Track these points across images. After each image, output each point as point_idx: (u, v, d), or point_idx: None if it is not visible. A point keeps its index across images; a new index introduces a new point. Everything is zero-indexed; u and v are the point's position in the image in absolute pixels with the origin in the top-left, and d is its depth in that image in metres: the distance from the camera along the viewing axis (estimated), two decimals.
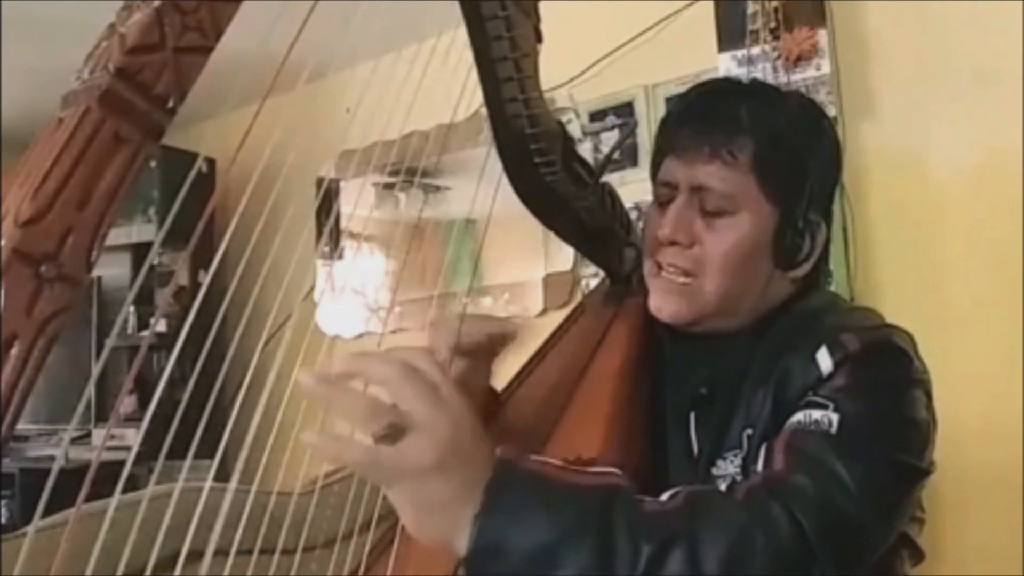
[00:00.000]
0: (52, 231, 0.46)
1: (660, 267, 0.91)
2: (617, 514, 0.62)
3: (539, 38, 0.79)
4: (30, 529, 0.55)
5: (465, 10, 0.73)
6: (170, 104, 0.48)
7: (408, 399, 0.58)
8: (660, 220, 0.89)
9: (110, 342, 0.79)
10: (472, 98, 0.82)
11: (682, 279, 0.89)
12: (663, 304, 0.91)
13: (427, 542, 0.62)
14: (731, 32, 2.11)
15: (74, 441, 2.98)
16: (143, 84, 0.47)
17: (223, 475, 0.73)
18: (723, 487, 0.81)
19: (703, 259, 0.88)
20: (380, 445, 0.57)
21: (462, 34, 0.77)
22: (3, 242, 0.45)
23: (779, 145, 0.88)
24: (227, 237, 0.62)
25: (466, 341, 0.89)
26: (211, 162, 2.35)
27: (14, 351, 0.45)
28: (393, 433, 0.57)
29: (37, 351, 0.46)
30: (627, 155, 2.39)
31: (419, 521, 0.60)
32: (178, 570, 0.67)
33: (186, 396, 0.61)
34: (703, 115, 0.91)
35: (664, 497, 0.67)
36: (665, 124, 0.97)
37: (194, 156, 2.50)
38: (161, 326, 2.73)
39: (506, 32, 0.74)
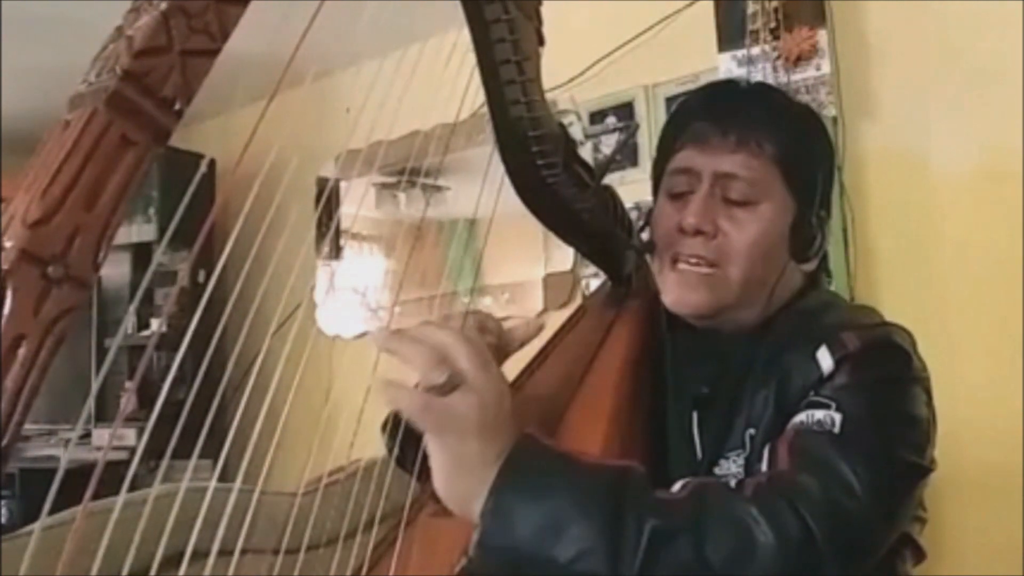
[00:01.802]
0: (60, 232, 0.46)
1: (679, 259, 0.90)
2: (628, 495, 0.64)
3: (541, 41, 0.80)
4: (36, 527, 0.55)
5: (468, 13, 0.73)
6: (177, 106, 0.48)
7: (463, 362, 0.63)
8: (683, 210, 0.90)
9: (115, 343, 0.79)
10: (474, 98, 0.82)
11: (705, 270, 0.89)
12: (684, 295, 0.90)
13: (450, 503, 0.65)
14: (731, 32, 2.11)
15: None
16: (150, 87, 0.47)
17: (225, 475, 0.73)
18: None
19: (727, 249, 0.88)
20: (432, 393, 0.62)
21: (464, 34, 0.77)
22: (11, 243, 0.45)
23: (798, 141, 0.92)
24: (232, 238, 0.62)
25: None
26: (211, 162, 2.34)
27: (21, 351, 0.45)
28: (447, 387, 0.62)
29: (44, 352, 0.46)
30: (627, 155, 2.39)
31: (447, 478, 0.64)
32: (182, 570, 0.67)
33: (190, 396, 0.61)
34: (723, 109, 0.93)
35: (675, 488, 0.69)
36: (679, 117, 0.97)
37: (193, 156, 2.49)
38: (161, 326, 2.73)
39: (509, 35, 0.75)
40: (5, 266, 0.44)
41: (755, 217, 0.88)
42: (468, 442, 0.63)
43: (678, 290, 0.91)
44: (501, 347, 0.92)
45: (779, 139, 0.89)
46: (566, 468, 0.65)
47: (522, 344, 0.94)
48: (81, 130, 0.46)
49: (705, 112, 0.94)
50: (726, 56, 2.12)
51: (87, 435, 2.95)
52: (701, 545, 0.63)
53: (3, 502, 2.92)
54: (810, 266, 0.93)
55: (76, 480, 0.52)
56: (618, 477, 0.66)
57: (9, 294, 0.44)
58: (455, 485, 0.64)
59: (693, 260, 0.89)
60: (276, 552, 0.84)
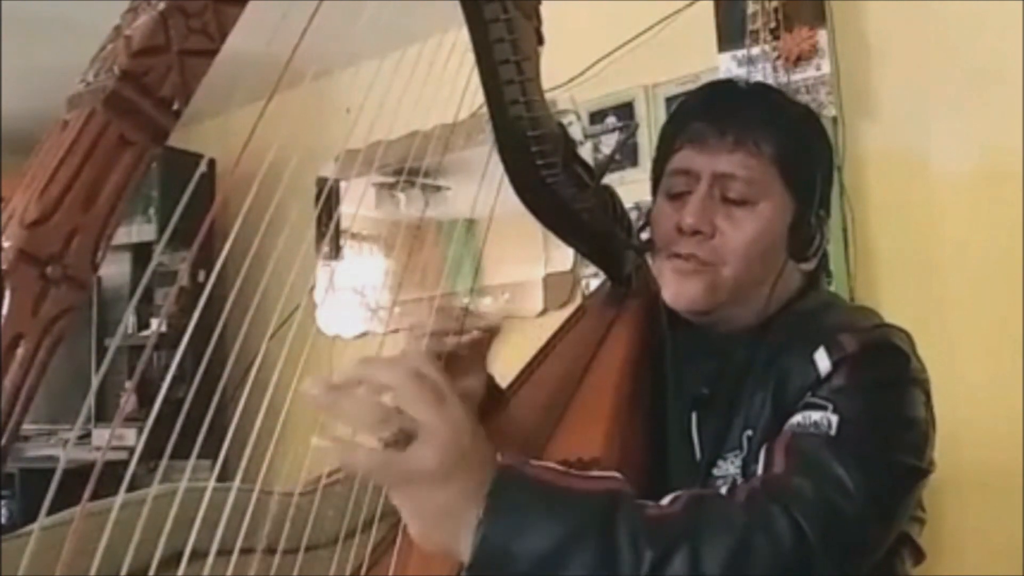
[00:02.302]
0: (58, 232, 0.46)
1: (677, 257, 0.90)
2: (619, 519, 0.62)
3: (540, 41, 0.80)
4: (35, 527, 0.55)
5: (467, 13, 0.74)
6: (175, 106, 0.48)
7: (414, 405, 0.58)
8: (681, 210, 0.90)
9: (115, 343, 0.79)
10: (473, 98, 0.82)
11: (700, 267, 0.89)
12: (681, 290, 0.90)
13: (431, 548, 0.62)
14: (731, 32, 2.12)
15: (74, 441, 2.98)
16: (148, 87, 0.47)
17: (224, 475, 0.73)
18: (723, 488, 0.81)
19: (723, 249, 0.88)
20: (386, 450, 0.57)
21: (463, 34, 0.77)
22: (9, 243, 0.45)
23: (796, 141, 0.91)
24: (232, 237, 0.62)
25: (455, 343, 0.89)
26: (211, 162, 2.35)
27: (20, 351, 0.45)
28: (400, 439, 0.57)
29: (43, 351, 0.46)
30: (627, 155, 2.39)
31: (423, 528, 0.61)
32: (181, 569, 0.67)
33: (190, 396, 0.61)
34: (721, 110, 0.93)
35: (665, 501, 0.68)
36: (678, 118, 0.97)
37: (192, 156, 2.50)
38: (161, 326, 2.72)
39: (508, 35, 0.75)
40: (3, 266, 0.44)
41: (753, 216, 0.88)
42: (434, 490, 0.59)
43: (675, 286, 0.91)
44: (474, 348, 0.92)
45: (777, 139, 0.89)
46: (553, 497, 0.62)
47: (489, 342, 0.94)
48: (79, 130, 0.46)
49: (703, 112, 0.94)
50: (726, 56, 2.12)
51: (86, 435, 2.95)
52: (697, 559, 0.62)
53: (3, 502, 2.92)
54: (809, 266, 0.93)
55: (75, 480, 0.52)
56: (608, 500, 0.64)
57: (7, 294, 0.44)
58: (431, 534, 0.61)
59: (691, 260, 0.89)
60: (276, 552, 0.84)
